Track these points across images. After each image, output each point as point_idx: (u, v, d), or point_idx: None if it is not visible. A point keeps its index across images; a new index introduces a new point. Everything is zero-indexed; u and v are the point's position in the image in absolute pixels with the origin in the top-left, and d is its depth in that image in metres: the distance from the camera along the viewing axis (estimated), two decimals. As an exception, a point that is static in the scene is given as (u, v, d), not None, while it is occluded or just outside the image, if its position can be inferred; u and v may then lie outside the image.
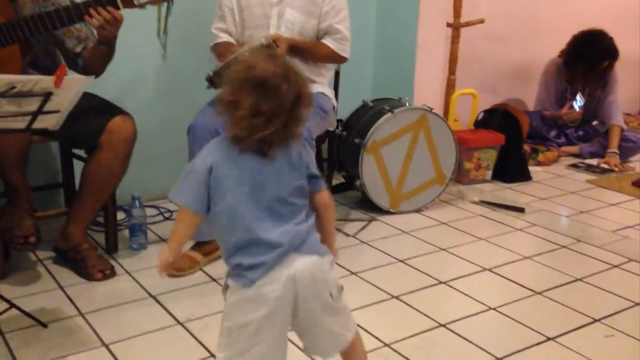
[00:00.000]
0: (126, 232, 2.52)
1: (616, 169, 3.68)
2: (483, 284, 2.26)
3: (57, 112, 1.60)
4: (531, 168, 3.57)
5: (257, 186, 1.29)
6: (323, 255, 1.34)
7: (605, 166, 3.73)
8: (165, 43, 2.09)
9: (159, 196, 3.02)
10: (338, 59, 2.53)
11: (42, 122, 1.61)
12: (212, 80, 2.25)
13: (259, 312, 1.28)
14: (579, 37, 3.92)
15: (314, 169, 1.38)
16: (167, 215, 2.85)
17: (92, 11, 1.97)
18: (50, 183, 2.70)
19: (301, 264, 1.30)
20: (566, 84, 4.03)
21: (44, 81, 1.46)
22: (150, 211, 2.80)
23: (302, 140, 2.10)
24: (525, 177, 3.48)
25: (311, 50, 2.45)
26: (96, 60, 2.18)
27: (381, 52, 3.46)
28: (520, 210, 2.99)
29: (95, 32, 2.11)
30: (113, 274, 2.24)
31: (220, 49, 2.44)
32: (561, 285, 2.25)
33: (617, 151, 3.81)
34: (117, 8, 2.00)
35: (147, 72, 2.83)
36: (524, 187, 3.39)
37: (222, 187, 1.28)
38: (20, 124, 1.60)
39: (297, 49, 2.37)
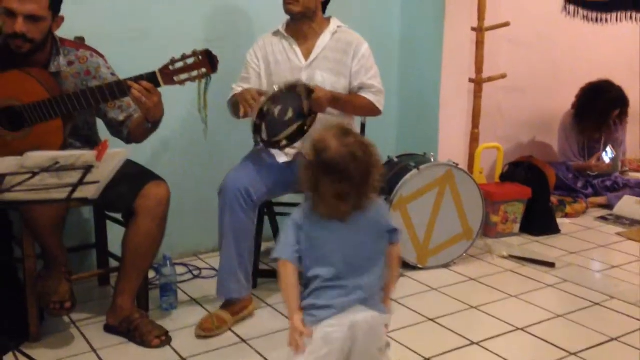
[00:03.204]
0: (157, 292, 2.54)
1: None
2: (516, 345, 2.23)
3: (96, 182, 1.65)
4: (559, 220, 3.55)
5: (341, 246, 1.50)
6: (382, 313, 1.54)
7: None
8: (206, 118, 2.15)
9: (188, 254, 3.06)
10: (375, 110, 2.55)
11: (81, 193, 1.67)
12: (258, 126, 2.25)
13: (323, 351, 1.48)
14: (585, 90, 3.96)
15: (392, 223, 1.57)
16: (196, 273, 2.88)
17: (133, 84, 2.04)
18: (83, 244, 2.75)
19: (363, 315, 1.50)
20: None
21: (86, 156, 1.52)
22: (179, 269, 2.82)
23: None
24: (554, 229, 3.46)
25: (351, 102, 2.47)
26: (141, 134, 2.26)
27: (405, 108, 3.51)
28: (551, 265, 2.95)
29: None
30: (169, 339, 2.23)
31: (237, 96, 2.39)
32: (596, 346, 2.21)
33: None
34: (159, 85, 2.08)
35: (176, 131, 2.90)
36: (553, 240, 3.37)
37: (311, 244, 1.51)
38: (61, 194, 1.65)
39: (337, 100, 2.40)
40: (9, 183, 1.48)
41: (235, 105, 2.37)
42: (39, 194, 1.61)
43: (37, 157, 1.44)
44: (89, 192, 1.69)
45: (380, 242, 1.55)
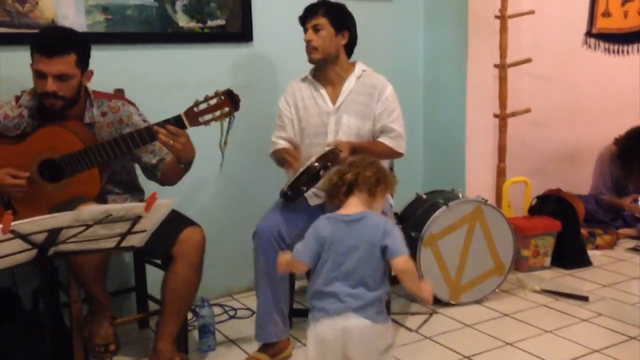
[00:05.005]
0: (195, 333, 2.59)
1: None
2: (554, 382, 2.23)
3: (143, 231, 1.73)
4: (590, 252, 3.54)
5: (341, 253, 1.72)
6: (377, 322, 1.68)
7: None
8: (223, 153, 2.21)
9: (223, 294, 3.11)
10: (395, 154, 2.61)
11: (129, 241, 1.74)
12: (287, 195, 2.34)
13: (318, 349, 1.71)
14: (632, 135, 3.84)
15: (388, 240, 1.71)
16: (232, 313, 2.92)
17: (159, 129, 2.12)
18: (123, 288, 2.82)
19: (355, 322, 1.66)
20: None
21: (136, 208, 1.60)
22: (215, 310, 2.86)
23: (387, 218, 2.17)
24: (585, 262, 3.45)
25: (370, 150, 2.52)
26: (174, 175, 2.35)
27: (431, 145, 3.57)
28: (584, 299, 2.95)
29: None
30: None
31: (279, 154, 2.54)
32: (636, 381, 2.20)
33: None
34: (185, 127, 2.15)
35: (210, 176, 2.96)
36: (585, 272, 3.35)
37: (321, 248, 1.75)
38: (110, 243, 1.74)
39: (357, 150, 2.45)
40: (64, 236, 1.56)
41: (281, 162, 2.52)
42: (89, 244, 1.70)
43: (92, 211, 1.52)
44: (136, 240, 1.77)
45: (373, 257, 1.71)
